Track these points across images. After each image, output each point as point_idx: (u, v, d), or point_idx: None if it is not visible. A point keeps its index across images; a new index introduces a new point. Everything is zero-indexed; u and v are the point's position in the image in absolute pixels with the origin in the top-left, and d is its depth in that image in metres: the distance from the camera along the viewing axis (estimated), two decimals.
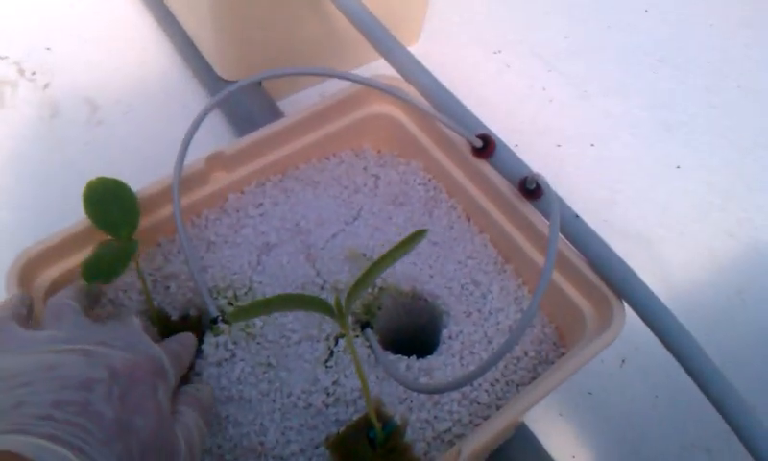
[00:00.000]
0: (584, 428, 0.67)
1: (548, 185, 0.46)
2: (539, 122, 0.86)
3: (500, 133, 0.83)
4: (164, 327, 0.51)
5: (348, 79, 0.49)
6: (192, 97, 0.82)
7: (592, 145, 0.85)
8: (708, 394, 0.46)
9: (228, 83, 0.78)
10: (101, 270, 0.46)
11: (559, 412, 0.67)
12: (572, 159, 0.84)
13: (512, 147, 0.83)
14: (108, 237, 0.48)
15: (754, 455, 0.45)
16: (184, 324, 0.51)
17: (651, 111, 0.89)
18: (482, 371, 0.40)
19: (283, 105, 0.83)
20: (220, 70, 0.79)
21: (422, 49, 0.91)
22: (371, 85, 0.49)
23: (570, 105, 0.89)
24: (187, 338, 0.46)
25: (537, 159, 0.82)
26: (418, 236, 0.36)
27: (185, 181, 0.52)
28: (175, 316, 0.51)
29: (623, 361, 0.70)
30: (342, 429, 0.45)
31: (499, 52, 0.93)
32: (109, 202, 0.49)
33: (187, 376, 0.47)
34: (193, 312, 0.52)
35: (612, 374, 0.70)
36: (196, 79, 0.84)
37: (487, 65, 0.91)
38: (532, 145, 0.84)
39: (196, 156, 0.53)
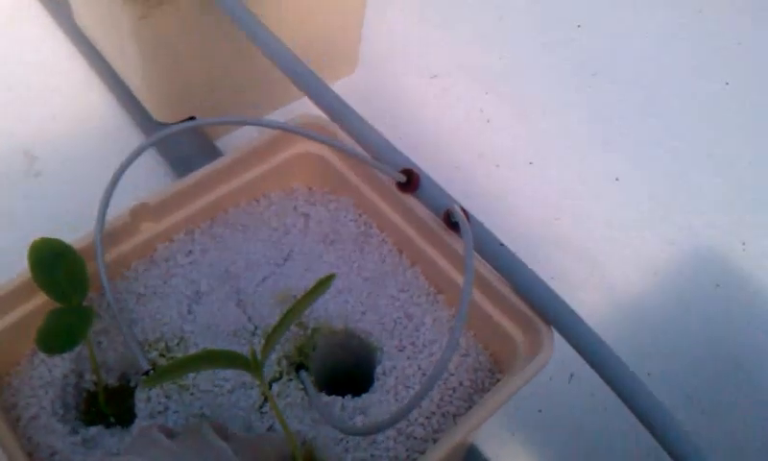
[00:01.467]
0: (536, 446, 0.67)
1: (463, 219, 0.47)
2: (478, 144, 0.87)
3: (440, 156, 0.85)
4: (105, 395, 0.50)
5: (267, 125, 0.49)
6: (130, 141, 0.82)
7: (531, 163, 0.86)
8: (636, 412, 0.46)
9: (163, 125, 0.78)
10: (57, 341, 0.45)
11: (510, 432, 0.68)
12: (512, 179, 0.84)
13: (453, 169, 0.85)
14: (52, 302, 0.48)
15: None
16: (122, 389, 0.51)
17: (588, 126, 0.91)
18: (410, 407, 0.40)
19: (223, 142, 0.83)
20: (155, 114, 0.79)
21: (360, 78, 0.92)
22: (293, 131, 0.50)
23: (508, 125, 0.90)
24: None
25: (477, 181, 0.83)
26: (326, 282, 0.36)
27: (113, 233, 0.52)
28: (113, 380, 0.51)
29: (571, 375, 0.71)
30: None
31: (436, 76, 0.94)
32: (55, 265, 0.48)
33: None
34: (132, 373, 0.51)
35: (561, 390, 0.70)
36: (134, 123, 0.83)
37: (424, 90, 0.92)
38: (471, 167, 0.85)
39: (131, 202, 0.53)
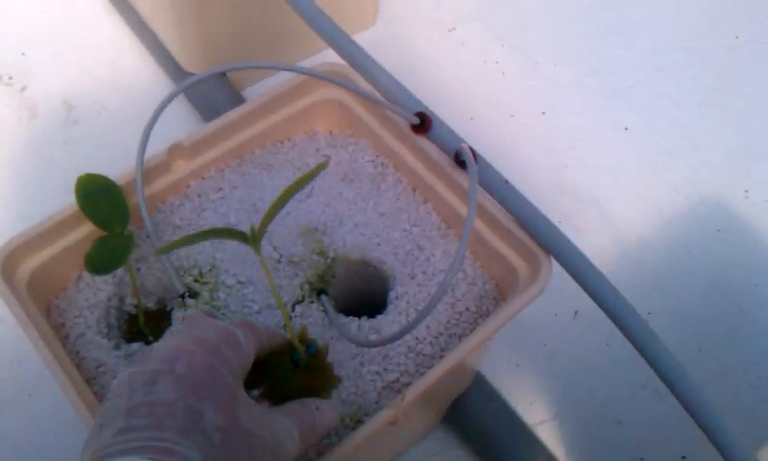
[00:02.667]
0: (540, 377, 0.72)
1: (470, 156, 0.51)
2: (493, 95, 0.91)
3: (456, 106, 0.88)
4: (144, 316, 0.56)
5: (296, 71, 0.53)
6: (161, 92, 0.87)
7: (543, 113, 0.90)
8: (632, 340, 0.50)
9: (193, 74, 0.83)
10: (103, 263, 0.51)
11: (516, 364, 0.72)
12: (525, 128, 0.88)
13: (467, 119, 0.88)
14: (97, 232, 0.53)
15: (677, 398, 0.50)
16: (160, 312, 0.57)
17: (599, 78, 0.94)
18: (417, 320, 0.45)
19: (248, 93, 0.87)
20: (185, 64, 0.83)
21: (379, 31, 0.96)
22: (317, 76, 0.54)
23: (522, 77, 0.93)
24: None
25: (491, 130, 0.87)
26: (321, 166, 0.41)
27: (150, 171, 0.57)
28: (151, 304, 0.57)
29: (576, 313, 0.75)
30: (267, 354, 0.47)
31: (453, 30, 0.97)
32: (99, 197, 0.54)
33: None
34: (168, 298, 0.57)
35: (566, 325, 0.75)
36: (165, 74, 0.88)
37: (442, 43, 0.96)
38: (487, 117, 0.89)
39: (165, 144, 0.57)
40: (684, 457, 0.67)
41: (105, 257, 0.51)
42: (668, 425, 0.69)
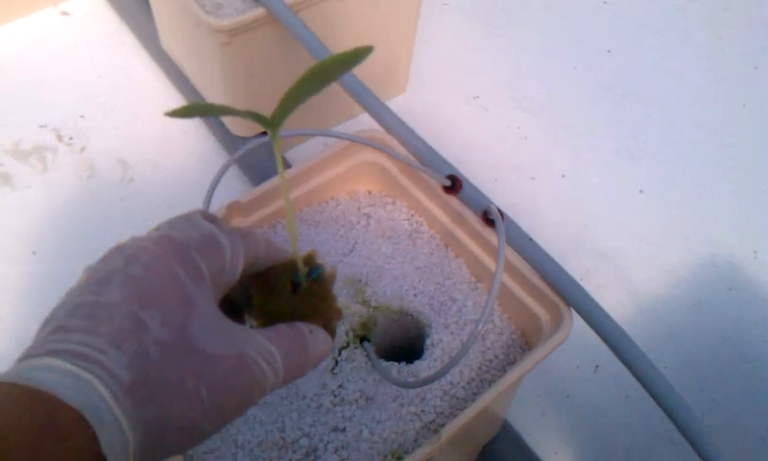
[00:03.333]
0: (564, 427, 0.77)
1: (498, 216, 0.57)
2: (515, 158, 0.97)
3: (480, 169, 0.95)
4: None
5: (339, 137, 0.60)
6: (209, 152, 0.94)
7: (563, 176, 0.96)
8: (651, 392, 0.55)
9: (239, 138, 0.90)
10: None
11: (541, 413, 0.77)
12: (546, 190, 0.94)
13: (492, 180, 0.95)
14: None
15: (693, 447, 0.55)
16: None
17: (616, 142, 1.00)
18: (450, 365, 0.50)
19: (290, 154, 0.94)
20: (232, 128, 0.90)
21: (409, 97, 1.03)
22: (357, 141, 0.61)
23: (543, 141, 1.00)
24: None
25: (513, 192, 0.93)
26: (364, 52, 0.34)
27: None
28: None
29: (596, 367, 0.80)
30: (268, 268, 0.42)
31: (477, 97, 1.04)
32: None
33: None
34: None
35: (587, 378, 0.80)
36: (212, 135, 0.95)
37: (467, 109, 1.03)
38: (509, 179, 0.95)
39: (216, 204, 0.64)
40: None
41: None
42: None
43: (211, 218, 0.39)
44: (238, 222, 0.65)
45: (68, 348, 0.29)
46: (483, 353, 0.60)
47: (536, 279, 0.60)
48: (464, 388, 0.59)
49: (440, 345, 0.60)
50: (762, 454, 0.76)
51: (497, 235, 0.55)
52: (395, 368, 0.59)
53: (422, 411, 0.57)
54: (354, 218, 0.69)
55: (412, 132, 0.67)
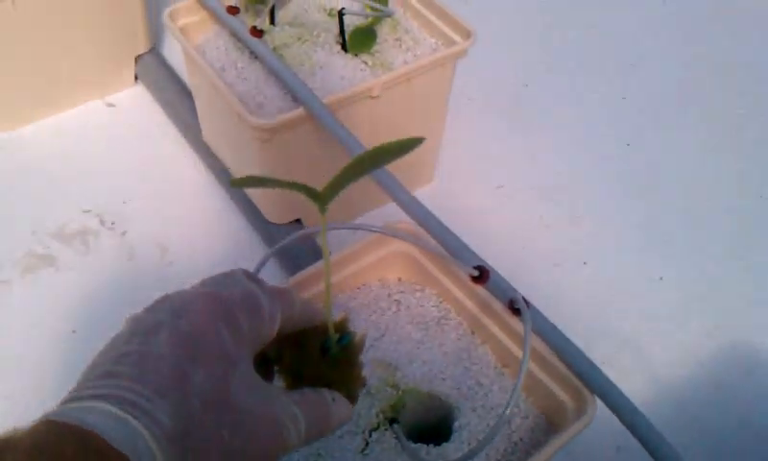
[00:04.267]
0: None
1: (524, 306, 0.61)
2: (537, 246, 1.01)
3: (505, 255, 0.98)
4: None
5: (371, 230, 0.64)
6: (244, 236, 0.99)
7: (585, 263, 0.99)
8: None
9: (275, 225, 0.94)
10: None
11: None
12: (568, 276, 0.97)
13: (515, 267, 0.98)
14: None
15: None
16: None
17: (635, 230, 1.04)
18: (479, 449, 0.53)
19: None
20: (268, 215, 0.95)
21: (437, 187, 1.08)
22: (388, 234, 0.65)
23: (564, 229, 1.03)
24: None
25: (536, 279, 0.97)
26: (414, 142, 0.38)
27: None
28: None
29: (618, 448, 0.82)
30: (301, 330, 0.44)
31: (501, 187, 1.09)
32: None
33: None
34: None
35: (609, 458, 0.82)
36: (247, 221, 1.00)
37: (491, 199, 1.07)
38: (532, 267, 0.98)
39: None
40: None
41: None
42: None
43: (252, 278, 0.41)
44: None
45: (117, 393, 0.31)
46: (509, 437, 0.63)
47: (560, 366, 0.63)
48: None
49: (467, 428, 0.63)
50: None
51: (524, 324, 0.58)
52: (423, 450, 0.62)
53: None
54: (385, 304, 0.72)
55: (440, 223, 0.71)
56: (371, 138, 0.83)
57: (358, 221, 0.99)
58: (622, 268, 0.99)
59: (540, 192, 1.08)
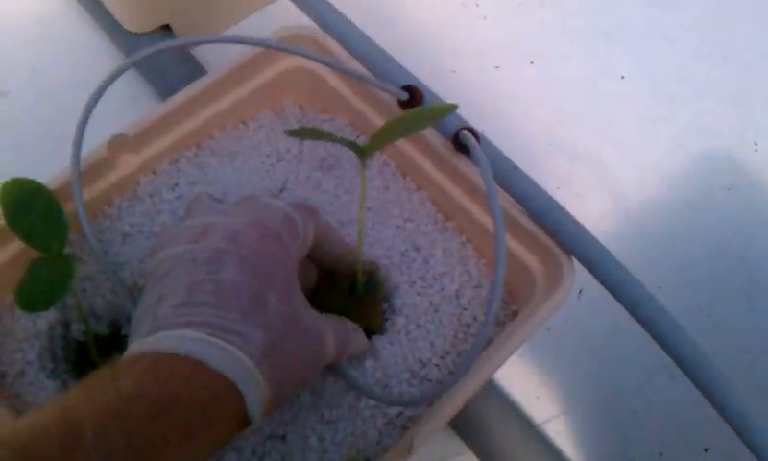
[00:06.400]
0: (545, 367, 0.66)
1: (476, 144, 0.43)
2: (474, 42, 0.82)
3: (434, 59, 0.79)
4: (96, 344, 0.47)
5: (254, 44, 0.44)
6: (102, 56, 0.76)
7: (532, 63, 0.81)
8: (662, 343, 0.43)
9: (137, 36, 0.72)
10: (39, 296, 0.41)
11: (518, 354, 0.65)
12: (512, 81, 0.80)
13: (449, 73, 0.79)
14: (29, 249, 0.44)
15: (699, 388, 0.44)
16: (114, 337, 0.47)
17: (588, 19, 0.85)
18: (444, 388, 0.37)
19: (201, 51, 0.76)
20: (125, 22, 0.72)
21: None
22: (278, 49, 0.44)
23: (505, 20, 0.84)
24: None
25: (475, 84, 0.79)
26: (449, 108, 0.39)
27: (90, 169, 0.48)
28: (102, 328, 0.47)
29: (580, 291, 0.68)
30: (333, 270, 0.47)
31: None
32: (30, 208, 0.44)
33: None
34: (122, 320, 0.48)
35: (570, 306, 0.67)
36: (105, 34, 0.77)
37: None
38: (469, 69, 0.80)
39: (111, 126, 0.48)
40: (706, 449, 0.62)
41: (40, 290, 0.42)
42: (688, 414, 0.63)
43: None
44: (128, 160, 0.49)
45: (205, 320, 0.33)
46: (458, 317, 0.47)
47: (523, 219, 0.46)
48: (437, 366, 0.46)
49: (403, 311, 0.47)
50: None
51: (482, 171, 0.40)
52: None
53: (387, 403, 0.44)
54: (282, 145, 0.53)
55: (351, 25, 0.51)
56: None
57: (236, 29, 0.76)
58: (577, 66, 0.82)
59: None
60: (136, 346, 0.33)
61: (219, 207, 0.42)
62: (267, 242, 0.37)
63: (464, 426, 0.60)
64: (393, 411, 0.44)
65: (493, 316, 0.38)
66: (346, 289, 0.47)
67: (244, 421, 0.33)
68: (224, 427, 0.33)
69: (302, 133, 0.43)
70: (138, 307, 0.37)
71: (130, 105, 0.71)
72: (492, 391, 0.61)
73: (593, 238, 0.44)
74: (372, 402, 0.43)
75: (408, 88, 0.48)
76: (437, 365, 0.45)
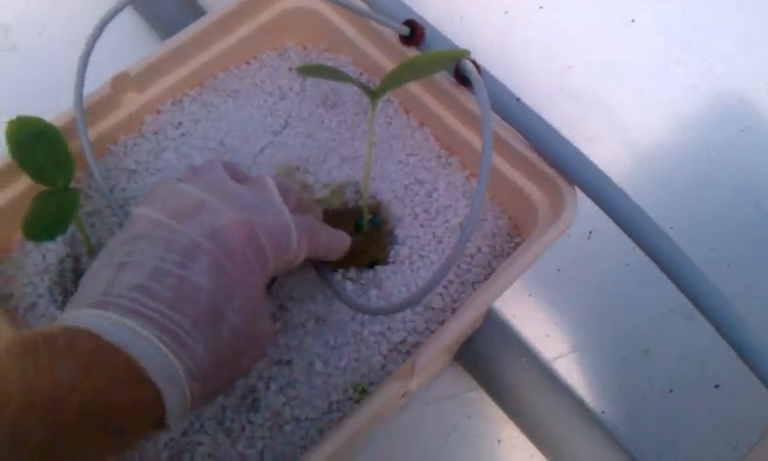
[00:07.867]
0: (555, 306, 0.65)
1: (476, 74, 0.42)
2: None
3: (441, 4, 0.78)
4: None
5: None
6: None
7: (541, 8, 0.80)
8: (667, 271, 0.43)
9: None
10: (44, 227, 0.42)
11: (528, 293, 0.66)
12: (521, 26, 0.79)
13: (456, 19, 0.79)
14: (37, 186, 0.44)
15: (713, 324, 0.43)
16: None
17: None
18: (425, 292, 0.37)
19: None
20: None
21: None
22: None
23: None
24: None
25: (484, 31, 0.78)
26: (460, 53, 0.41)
27: (95, 108, 0.48)
28: None
29: (590, 232, 0.68)
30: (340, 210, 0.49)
31: None
32: (36, 145, 0.45)
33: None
34: None
35: (580, 247, 0.68)
36: None
37: None
38: (477, 15, 0.79)
39: (114, 68, 0.48)
40: (717, 386, 0.61)
41: (46, 220, 0.42)
42: (700, 353, 0.63)
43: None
44: (132, 98, 0.50)
45: (154, 317, 0.32)
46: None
47: (526, 151, 0.46)
48: (440, 295, 0.46)
49: (407, 243, 0.47)
50: None
51: (479, 100, 0.40)
52: (349, 281, 0.46)
53: (389, 329, 0.45)
54: (285, 83, 0.53)
55: None
56: None
57: None
58: (586, 10, 0.81)
59: None
60: (82, 314, 0.31)
61: (224, 186, 0.38)
62: (245, 251, 0.35)
63: (474, 364, 0.60)
64: (396, 337, 0.44)
65: (470, 228, 0.38)
66: (352, 227, 0.47)
67: (160, 427, 0.33)
68: (142, 431, 0.32)
69: (312, 71, 0.42)
70: (98, 258, 0.35)
71: (132, 48, 0.71)
72: (503, 329, 0.61)
73: (596, 167, 0.44)
74: (377, 328, 0.44)
75: (409, 22, 0.48)
76: (440, 294, 0.45)
